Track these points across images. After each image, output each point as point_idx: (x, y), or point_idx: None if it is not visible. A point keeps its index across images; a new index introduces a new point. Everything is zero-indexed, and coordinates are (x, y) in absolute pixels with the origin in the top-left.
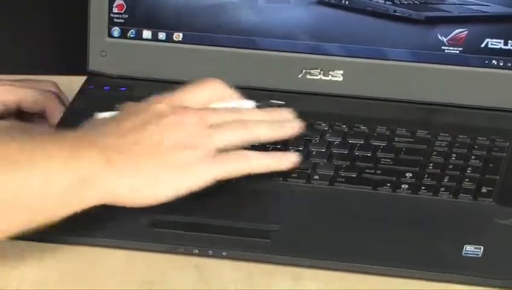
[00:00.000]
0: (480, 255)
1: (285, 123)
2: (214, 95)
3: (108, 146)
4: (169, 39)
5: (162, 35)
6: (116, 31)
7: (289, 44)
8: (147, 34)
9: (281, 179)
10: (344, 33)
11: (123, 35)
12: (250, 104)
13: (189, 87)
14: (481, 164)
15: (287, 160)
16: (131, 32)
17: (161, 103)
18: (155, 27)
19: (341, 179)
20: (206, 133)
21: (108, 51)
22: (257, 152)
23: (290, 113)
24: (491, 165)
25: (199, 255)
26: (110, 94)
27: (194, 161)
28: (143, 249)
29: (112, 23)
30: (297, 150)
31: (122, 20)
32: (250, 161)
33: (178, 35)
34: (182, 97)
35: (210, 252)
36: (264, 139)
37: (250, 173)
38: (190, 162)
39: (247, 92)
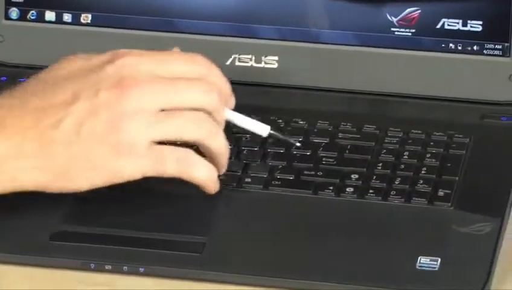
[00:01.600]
0: (437, 268)
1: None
2: (190, 72)
3: (22, 128)
4: (76, 21)
5: (67, 17)
6: (14, 12)
7: (215, 26)
8: (50, 15)
9: None
10: (279, 13)
11: (22, 17)
12: (266, 129)
13: (163, 55)
14: (437, 163)
15: (216, 188)
16: (32, 14)
17: (113, 65)
18: (59, 7)
19: (277, 182)
20: (146, 120)
21: (6, 35)
22: (204, 162)
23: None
24: (448, 164)
25: (112, 271)
26: (8, 86)
27: (122, 152)
28: (46, 265)
29: (9, 3)
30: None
31: (21, 0)
32: (193, 171)
33: (86, 17)
34: (148, 64)
35: (125, 268)
36: (214, 150)
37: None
38: (117, 152)
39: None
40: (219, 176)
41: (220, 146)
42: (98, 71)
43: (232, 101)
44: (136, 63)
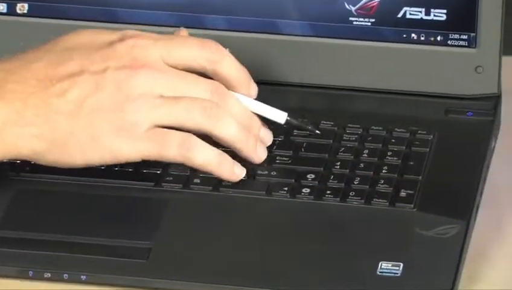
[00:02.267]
0: (399, 274)
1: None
2: (201, 57)
3: (25, 94)
4: (11, 11)
5: (2, 7)
6: None
7: (160, 16)
8: None
9: (152, 183)
10: (229, 2)
11: None
12: (283, 116)
13: (174, 39)
14: (399, 161)
15: (235, 175)
16: None
17: (124, 44)
18: None
19: (227, 183)
20: (150, 104)
21: None
22: (207, 147)
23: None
24: (411, 163)
25: (52, 280)
26: None
27: (122, 132)
28: None
29: None
30: None
31: None
32: (195, 157)
33: (22, 7)
34: (159, 48)
35: (65, 276)
36: (224, 139)
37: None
38: (117, 131)
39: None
40: (165, 176)
41: (229, 134)
42: (107, 48)
43: (252, 88)
44: (147, 45)
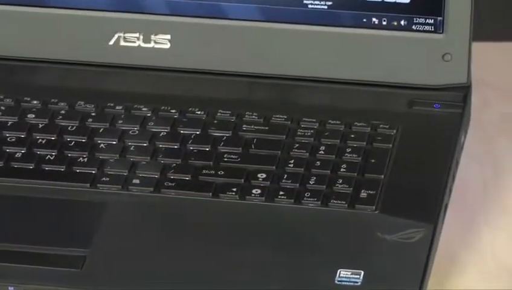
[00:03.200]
0: (359, 283)
1: None
2: None
3: None
4: None
5: None
6: None
7: None
8: None
9: (87, 184)
10: None
11: None
12: None
13: None
14: (359, 159)
15: None
16: None
17: None
18: None
19: (170, 184)
20: None
21: None
22: None
23: None
24: (372, 160)
25: None
26: None
27: None
28: None
29: None
30: (109, 145)
31: None
32: None
33: None
34: None
35: None
36: None
37: None
38: None
39: (41, 68)
40: (101, 177)
41: None
42: None
43: None
44: None
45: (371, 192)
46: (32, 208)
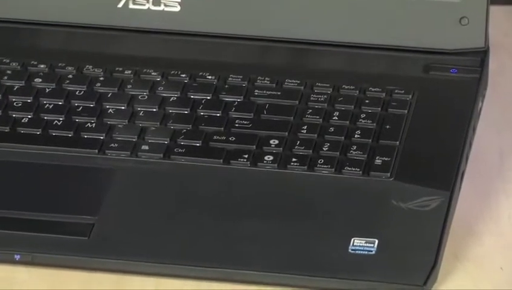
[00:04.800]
0: (373, 252)
1: None
2: None
3: None
4: None
5: None
6: None
7: None
8: None
9: (95, 151)
10: None
11: None
12: None
13: None
14: (374, 125)
15: None
16: None
17: None
18: None
19: (180, 150)
20: None
21: None
22: None
23: None
24: (387, 126)
25: None
26: None
27: None
28: None
29: None
30: (118, 110)
31: None
32: None
33: None
34: None
35: None
36: None
37: None
38: None
39: (48, 31)
40: (110, 142)
41: None
42: None
43: None
44: None
45: (386, 159)
46: (39, 174)
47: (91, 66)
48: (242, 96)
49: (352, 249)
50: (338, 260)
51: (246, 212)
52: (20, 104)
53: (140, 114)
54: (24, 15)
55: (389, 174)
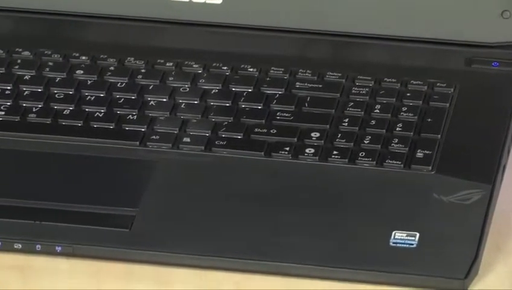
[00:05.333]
0: (414, 245)
1: None
2: None
3: None
4: None
5: None
6: None
7: None
8: None
9: (137, 143)
10: None
11: None
12: None
13: None
14: (416, 118)
15: None
16: None
17: None
18: None
19: (221, 143)
20: None
21: None
22: None
23: None
24: (429, 120)
25: (23, 251)
26: None
27: None
28: None
29: None
30: (159, 102)
31: None
32: None
33: None
34: None
35: (38, 247)
36: None
37: None
38: None
39: (90, 23)
40: (151, 135)
41: None
42: None
43: None
44: None
45: (427, 152)
46: (81, 166)
47: (133, 58)
48: (283, 89)
49: (393, 242)
50: (379, 253)
51: (286, 205)
52: (61, 96)
53: (182, 106)
54: (66, 7)
55: (430, 167)
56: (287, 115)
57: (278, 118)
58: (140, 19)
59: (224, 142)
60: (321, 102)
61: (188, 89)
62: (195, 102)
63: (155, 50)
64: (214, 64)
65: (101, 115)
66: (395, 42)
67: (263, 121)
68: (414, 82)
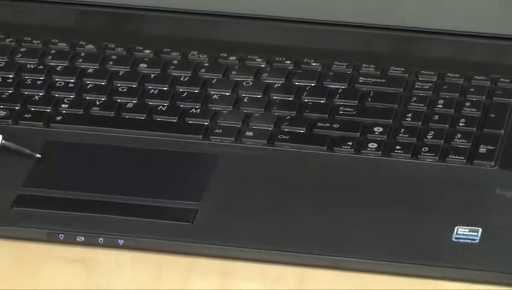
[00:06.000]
0: (477, 240)
1: None
2: None
3: None
4: None
5: None
6: None
7: None
8: None
9: (200, 136)
10: None
11: None
12: None
13: None
14: (479, 113)
15: None
16: None
17: None
18: None
19: (284, 137)
20: None
21: None
22: None
23: None
24: (492, 115)
25: (86, 244)
26: None
27: None
28: (7, 235)
29: None
30: (222, 96)
31: None
32: None
33: None
34: None
35: (101, 240)
36: None
37: None
38: None
39: (153, 17)
40: (214, 128)
41: None
42: None
43: None
44: None
45: (490, 147)
46: (144, 159)
47: (196, 52)
48: (346, 84)
49: (455, 238)
50: (441, 248)
51: (348, 200)
52: (125, 90)
53: (245, 100)
54: (130, 0)
55: (493, 162)
56: (350, 109)
57: (341, 112)
58: (204, 12)
59: (287, 137)
60: (384, 97)
61: (251, 83)
62: (258, 96)
63: (218, 44)
64: (277, 59)
65: (164, 109)
66: (459, 37)
67: (326, 115)
68: (477, 77)
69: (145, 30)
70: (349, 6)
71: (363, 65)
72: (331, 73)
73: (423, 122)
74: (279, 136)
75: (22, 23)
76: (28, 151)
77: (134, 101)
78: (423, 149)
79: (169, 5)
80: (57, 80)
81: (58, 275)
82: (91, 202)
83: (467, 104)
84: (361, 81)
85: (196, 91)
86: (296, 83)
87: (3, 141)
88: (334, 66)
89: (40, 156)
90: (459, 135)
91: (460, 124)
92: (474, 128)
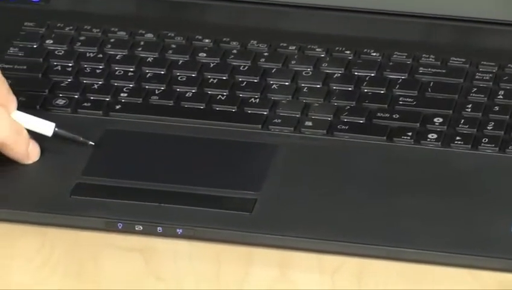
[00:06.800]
0: None
1: None
2: None
3: None
4: None
5: None
6: None
7: None
8: None
9: (259, 126)
10: None
11: None
12: (50, 128)
13: None
14: None
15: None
16: None
17: None
18: None
19: (343, 127)
20: None
21: None
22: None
23: None
24: None
25: (144, 233)
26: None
27: None
28: (66, 224)
29: None
30: (281, 86)
31: None
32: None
33: None
34: None
35: (159, 229)
36: None
37: None
38: None
39: (213, 6)
40: (273, 118)
41: None
42: None
43: (12, 101)
44: None
45: None
46: (203, 149)
47: (255, 42)
48: (406, 74)
49: None
50: (499, 239)
51: (408, 190)
52: (184, 79)
53: (304, 90)
54: None
55: None
56: (409, 100)
57: (401, 102)
58: (264, 2)
59: (346, 127)
60: (444, 87)
61: (310, 72)
62: (318, 86)
63: (278, 33)
64: (337, 48)
65: (223, 98)
66: None
67: (385, 105)
68: None
69: (205, 19)
70: None
71: (423, 55)
72: (391, 63)
73: (483, 113)
74: (338, 126)
75: (81, 12)
76: (82, 139)
77: (193, 90)
78: (483, 140)
79: None
80: (116, 68)
81: (116, 264)
82: (150, 191)
83: None
84: (421, 71)
85: (255, 81)
86: (356, 73)
87: (56, 129)
88: (394, 56)
89: (93, 143)
90: None
91: None
92: None
